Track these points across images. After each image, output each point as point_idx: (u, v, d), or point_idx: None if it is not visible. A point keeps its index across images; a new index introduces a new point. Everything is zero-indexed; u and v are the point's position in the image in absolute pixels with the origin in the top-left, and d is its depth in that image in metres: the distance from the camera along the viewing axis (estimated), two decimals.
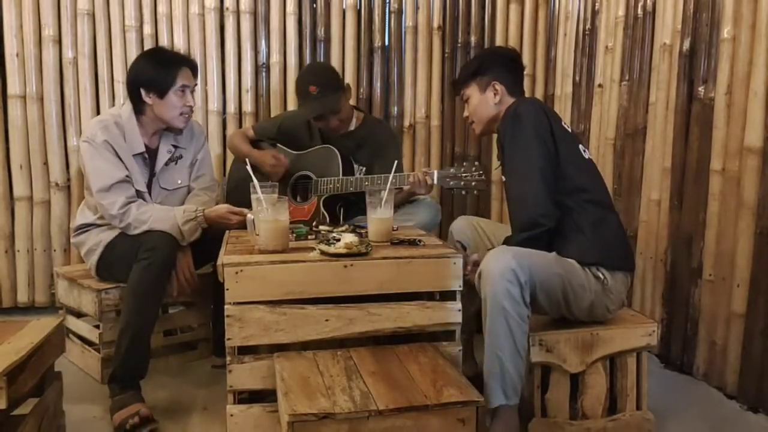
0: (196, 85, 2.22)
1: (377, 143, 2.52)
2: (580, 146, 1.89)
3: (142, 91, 2.12)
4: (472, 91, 2.00)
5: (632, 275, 1.90)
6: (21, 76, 2.77)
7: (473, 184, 2.15)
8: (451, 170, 2.18)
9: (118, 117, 2.16)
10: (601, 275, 1.75)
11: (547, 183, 1.75)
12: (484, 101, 1.97)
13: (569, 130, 1.90)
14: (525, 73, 3.08)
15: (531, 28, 3.08)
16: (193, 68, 2.20)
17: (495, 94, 1.96)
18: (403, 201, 2.43)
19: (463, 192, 2.18)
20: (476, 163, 2.17)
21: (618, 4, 2.62)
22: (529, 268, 1.60)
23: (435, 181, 2.18)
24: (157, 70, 2.12)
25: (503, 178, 1.93)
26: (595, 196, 1.82)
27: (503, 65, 1.99)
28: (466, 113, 2.05)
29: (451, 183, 2.16)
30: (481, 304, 2.00)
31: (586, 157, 1.89)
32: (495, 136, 2.00)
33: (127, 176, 2.10)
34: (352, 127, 2.56)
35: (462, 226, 2.19)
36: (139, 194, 2.14)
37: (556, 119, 1.86)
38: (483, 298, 1.63)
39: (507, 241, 1.83)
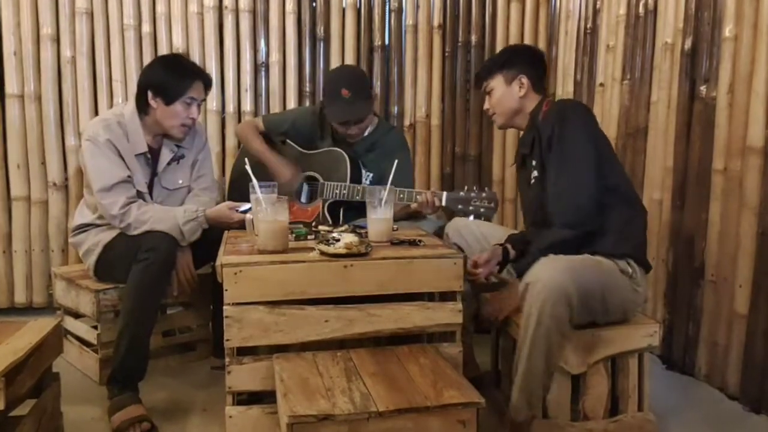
0: (204, 99, 2.20)
1: (387, 151, 2.45)
2: None
3: (150, 93, 2.11)
4: (497, 83, 1.99)
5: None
6: (19, 75, 2.76)
7: (482, 210, 2.11)
8: (461, 194, 2.14)
9: (121, 116, 2.14)
10: (630, 269, 1.76)
11: (597, 185, 1.77)
12: (509, 94, 1.98)
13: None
14: None
15: (532, 26, 3.07)
16: (207, 83, 2.19)
17: (521, 87, 1.96)
18: (406, 216, 2.37)
19: (471, 217, 2.14)
20: (486, 189, 2.14)
21: (619, 2, 2.61)
22: (581, 284, 1.59)
23: (443, 203, 2.15)
24: (171, 78, 2.11)
25: (533, 174, 1.91)
26: (628, 195, 1.85)
27: (530, 61, 2.01)
28: (486, 105, 2.05)
29: (460, 207, 2.13)
30: (479, 306, 2.01)
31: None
32: (511, 131, 2.00)
33: (128, 176, 2.09)
34: (366, 133, 2.52)
35: (458, 227, 2.16)
36: (139, 194, 2.12)
37: (596, 120, 1.89)
38: (527, 310, 1.59)
39: (543, 236, 1.80)
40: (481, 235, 2.12)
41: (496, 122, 2.06)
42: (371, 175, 2.46)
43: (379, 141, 2.50)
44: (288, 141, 2.56)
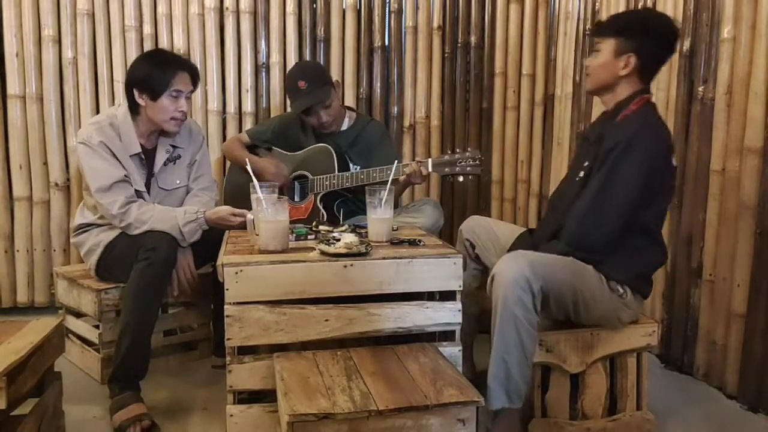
0: (192, 90, 2.17)
1: (371, 141, 2.53)
2: None
3: (135, 92, 2.10)
4: (606, 48, 1.77)
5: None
6: (20, 76, 2.76)
7: (468, 169, 2.14)
8: (446, 157, 2.19)
9: (114, 117, 2.14)
10: (620, 289, 1.74)
11: (620, 225, 1.70)
12: (611, 66, 1.76)
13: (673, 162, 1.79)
14: (525, 73, 3.11)
15: (531, 27, 3.08)
16: (192, 73, 2.16)
17: (625, 66, 1.74)
18: (400, 192, 2.45)
19: (460, 178, 2.18)
20: (469, 149, 2.18)
21: (618, 3, 2.62)
22: (543, 276, 1.59)
23: (430, 169, 2.19)
24: (153, 72, 2.09)
25: (581, 174, 1.80)
26: (651, 234, 1.78)
27: (654, 41, 1.74)
28: (587, 62, 1.86)
29: (446, 170, 2.17)
30: (484, 307, 2.01)
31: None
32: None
33: (125, 176, 2.10)
34: (345, 127, 2.57)
35: (473, 224, 2.16)
36: (138, 194, 2.13)
37: (663, 152, 1.74)
38: (494, 301, 1.61)
39: (549, 248, 1.77)
40: (494, 234, 2.10)
41: (586, 84, 1.88)
42: (357, 167, 2.50)
43: (361, 134, 2.55)
44: (275, 148, 2.60)
